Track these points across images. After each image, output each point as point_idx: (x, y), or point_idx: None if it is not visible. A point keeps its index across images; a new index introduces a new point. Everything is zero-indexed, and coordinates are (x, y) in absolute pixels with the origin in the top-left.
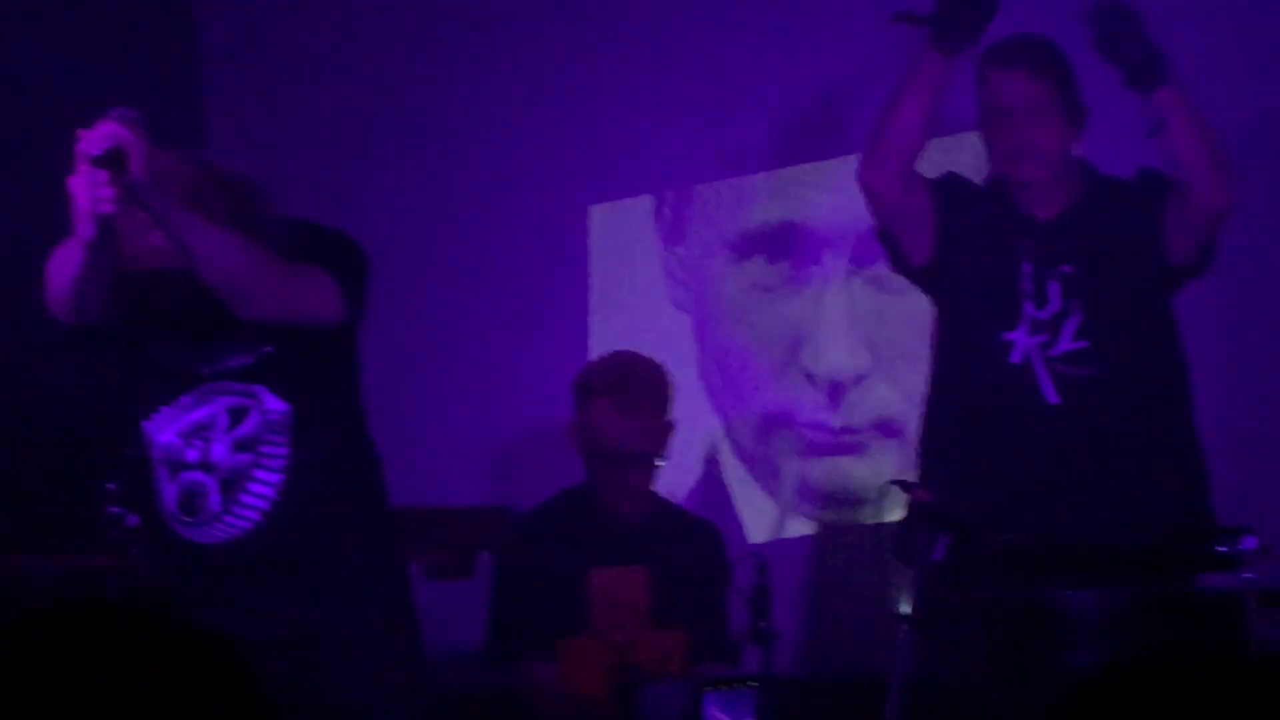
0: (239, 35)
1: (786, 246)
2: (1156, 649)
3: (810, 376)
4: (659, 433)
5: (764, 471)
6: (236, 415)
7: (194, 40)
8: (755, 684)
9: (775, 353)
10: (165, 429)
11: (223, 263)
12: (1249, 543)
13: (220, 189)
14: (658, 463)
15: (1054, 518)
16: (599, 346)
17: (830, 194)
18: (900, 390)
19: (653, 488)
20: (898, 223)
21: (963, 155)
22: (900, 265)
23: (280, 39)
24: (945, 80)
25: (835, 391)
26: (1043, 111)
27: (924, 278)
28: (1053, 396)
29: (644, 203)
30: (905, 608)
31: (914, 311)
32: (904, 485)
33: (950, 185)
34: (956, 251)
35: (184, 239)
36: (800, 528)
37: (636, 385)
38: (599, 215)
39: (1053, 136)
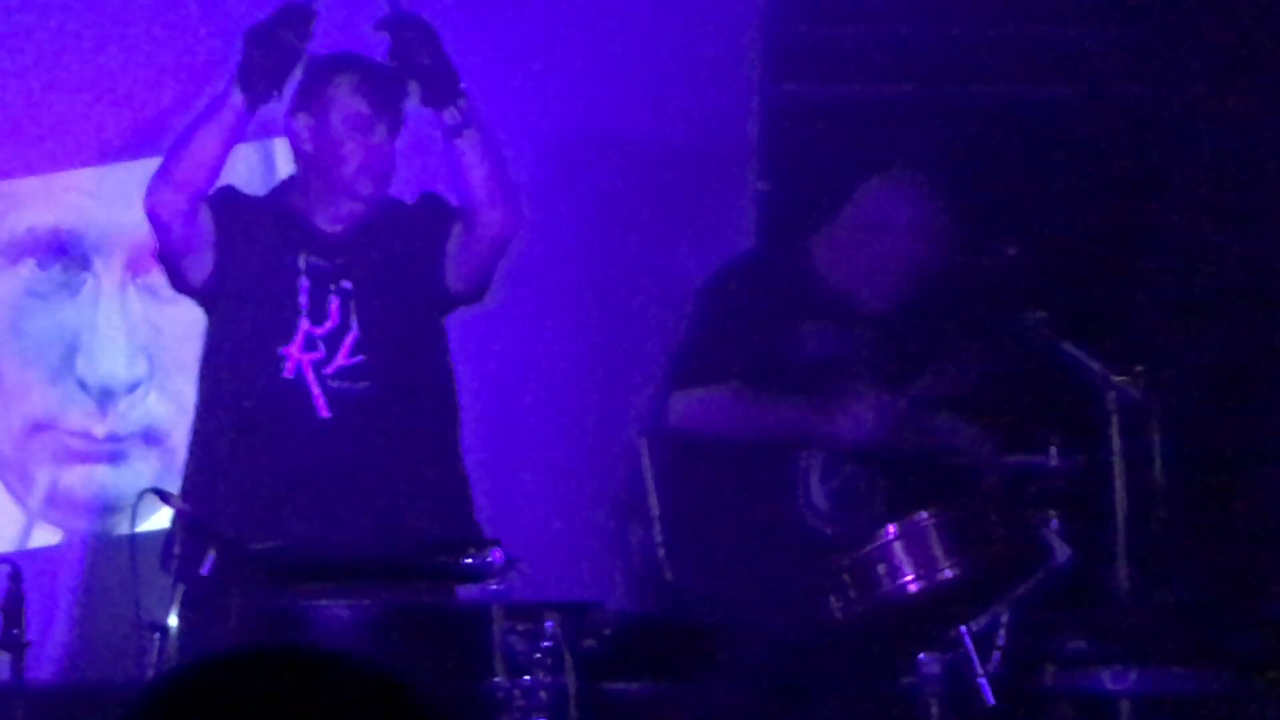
0: None
1: (57, 253)
2: (409, 658)
3: (83, 385)
4: None
5: (18, 479)
6: None
7: None
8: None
9: (49, 360)
10: None
11: None
12: (496, 556)
13: None
14: None
15: (321, 529)
16: None
17: (103, 201)
18: (172, 400)
19: None
20: (179, 248)
21: (236, 166)
22: (180, 285)
23: None
24: (246, 123)
25: (105, 399)
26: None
27: (204, 296)
28: (324, 411)
29: None
30: (166, 618)
31: (189, 321)
32: (162, 495)
33: (229, 201)
34: (236, 268)
35: None
36: (50, 537)
37: None
38: None
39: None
